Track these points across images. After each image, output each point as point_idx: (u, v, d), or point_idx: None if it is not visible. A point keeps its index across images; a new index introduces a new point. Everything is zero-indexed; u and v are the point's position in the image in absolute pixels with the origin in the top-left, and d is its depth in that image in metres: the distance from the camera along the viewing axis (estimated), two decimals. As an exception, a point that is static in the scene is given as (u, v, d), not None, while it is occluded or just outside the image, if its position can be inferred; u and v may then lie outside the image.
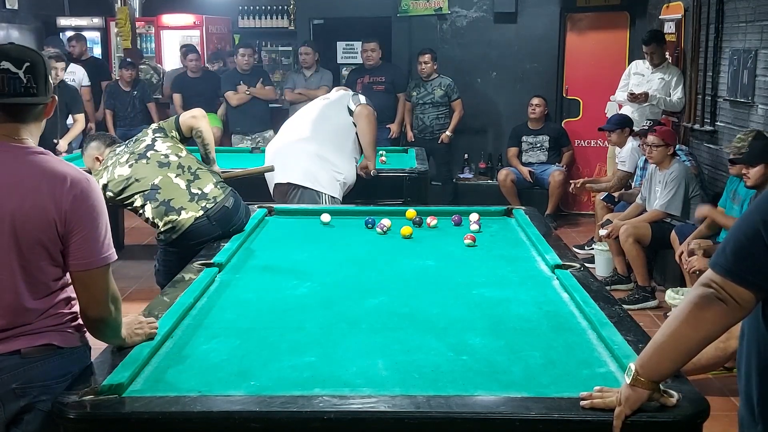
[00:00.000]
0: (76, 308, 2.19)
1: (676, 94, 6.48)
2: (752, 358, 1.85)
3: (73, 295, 2.17)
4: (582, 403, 1.96)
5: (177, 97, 8.11)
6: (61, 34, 9.82)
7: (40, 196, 2.04)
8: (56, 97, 2.22)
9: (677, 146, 5.80)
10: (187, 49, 8.34)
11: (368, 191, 5.36)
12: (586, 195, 7.21)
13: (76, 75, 8.05)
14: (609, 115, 7.24)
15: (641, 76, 6.66)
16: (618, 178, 6.38)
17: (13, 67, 2.05)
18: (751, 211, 1.79)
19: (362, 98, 5.13)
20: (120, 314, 2.23)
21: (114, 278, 2.18)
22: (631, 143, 6.23)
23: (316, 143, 4.90)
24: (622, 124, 6.33)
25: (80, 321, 2.21)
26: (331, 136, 4.96)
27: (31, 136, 2.14)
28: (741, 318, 1.80)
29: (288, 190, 4.86)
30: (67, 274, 2.15)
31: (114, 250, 2.16)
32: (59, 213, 2.05)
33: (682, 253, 4.79)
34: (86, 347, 2.26)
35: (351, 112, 5.02)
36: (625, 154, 6.30)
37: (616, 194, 6.33)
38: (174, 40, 9.63)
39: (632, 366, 1.92)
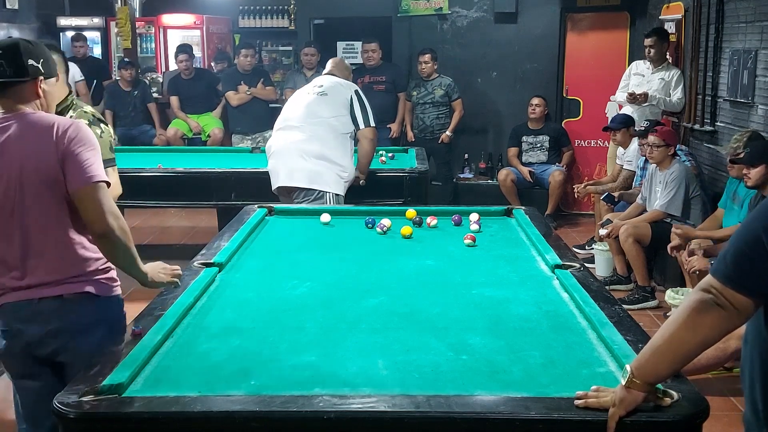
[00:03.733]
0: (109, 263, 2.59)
1: (676, 95, 6.48)
2: (756, 363, 1.85)
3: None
4: (576, 402, 1.96)
5: (174, 100, 8.13)
6: (61, 34, 9.82)
7: (40, 143, 2.47)
8: (40, 79, 2.57)
9: (677, 146, 5.80)
10: (177, 50, 8.35)
11: (368, 191, 5.37)
12: (588, 196, 7.21)
13: (71, 71, 8.07)
14: (609, 115, 7.24)
15: (641, 77, 6.66)
16: (624, 177, 6.38)
17: None
18: (752, 218, 1.79)
19: (363, 117, 5.06)
20: (126, 237, 2.51)
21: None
22: (637, 143, 6.23)
23: (318, 142, 4.93)
24: (627, 123, 6.33)
25: (113, 273, 2.62)
26: (331, 134, 4.99)
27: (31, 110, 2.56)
28: (739, 324, 1.80)
29: (292, 191, 4.92)
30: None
31: (104, 175, 2.51)
32: (57, 152, 2.46)
33: (679, 250, 4.79)
34: (119, 299, 2.65)
35: (354, 119, 5.04)
36: (630, 154, 6.29)
37: (615, 194, 6.33)
38: (174, 40, 9.63)
39: (628, 367, 1.92)
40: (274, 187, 5.05)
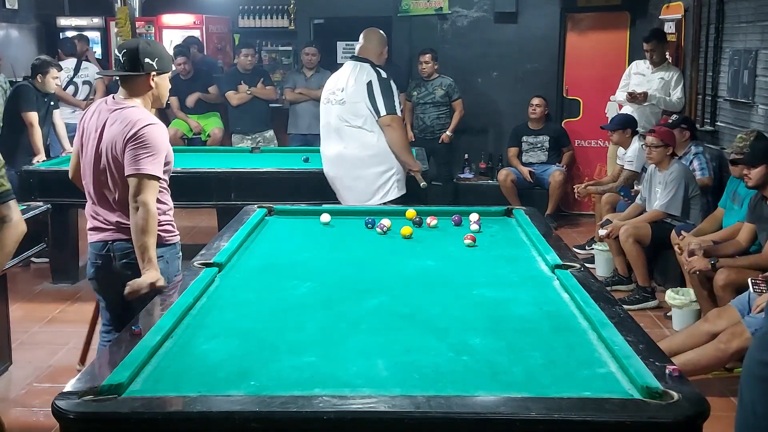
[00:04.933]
0: (163, 218, 3.27)
1: (676, 94, 6.48)
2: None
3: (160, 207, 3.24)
4: None
5: (173, 100, 8.13)
6: (61, 34, 9.83)
7: (117, 130, 3.16)
8: (152, 74, 3.24)
9: (693, 143, 5.79)
10: (175, 52, 8.36)
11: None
12: (588, 196, 7.21)
13: (89, 71, 8.21)
14: (609, 115, 7.24)
15: (642, 76, 6.66)
16: (624, 178, 6.37)
17: (119, 54, 3.25)
18: None
19: (375, 106, 4.81)
20: (148, 217, 3.09)
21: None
22: (637, 143, 6.23)
23: (358, 152, 4.86)
24: (625, 124, 6.32)
25: (168, 227, 3.32)
26: (366, 140, 4.87)
27: (137, 100, 3.26)
28: None
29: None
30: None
31: (150, 169, 3.11)
32: (123, 141, 3.13)
33: (680, 247, 4.79)
34: (175, 246, 3.37)
35: (371, 111, 4.83)
36: (631, 154, 6.29)
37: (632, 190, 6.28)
38: (174, 40, 9.63)
39: None
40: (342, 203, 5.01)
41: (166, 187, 3.34)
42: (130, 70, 3.21)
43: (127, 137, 3.11)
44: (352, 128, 4.87)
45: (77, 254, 5.85)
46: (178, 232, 3.42)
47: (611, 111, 7.31)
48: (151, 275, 3.05)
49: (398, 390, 2.09)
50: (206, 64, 8.73)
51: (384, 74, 4.91)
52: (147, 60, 3.19)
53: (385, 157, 4.92)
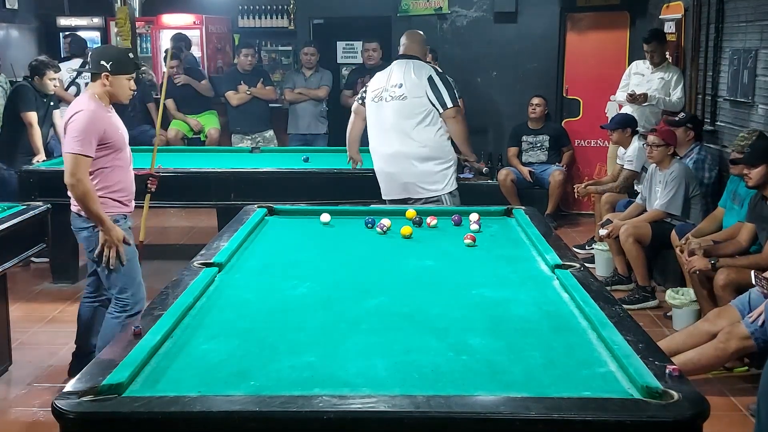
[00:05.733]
0: (99, 193, 3.82)
1: (676, 94, 6.48)
2: None
3: (101, 183, 3.85)
4: None
5: (170, 102, 8.14)
6: (60, 34, 9.82)
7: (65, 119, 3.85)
8: (106, 75, 3.85)
9: (697, 146, 5.79)
10: (166, 55, 8.35)
11: (368, 191, 5.36)
12: (588, 196, 7.21)
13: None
14: (609, 115, 7.23)
15: (641, 76, 6.66)
16: (624, 177, 6.37)
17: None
18: None
19: (440, 99, 4.87)
20: (82, 188, 3.71)
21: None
22: (637, 142, 6.23)
23: (418, 147, 4.90)
24: (624, 124, 6.32)
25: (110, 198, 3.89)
26: (426, 134, 4.90)
27: (91, 93, 3.89)
28: None
29: (407, 200, 4.94)
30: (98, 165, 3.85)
31: (77, 149, 3.70)
32: (64, 127, 3.84)
33: (682, 250, 4.79)
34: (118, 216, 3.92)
35: (433, 104, 4.87)
36: (631, 154, 6.29)
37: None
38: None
39: None
40: (386, 197, 5.06)
41: (113, 165, 3.88)
42: (91, 70, 3.90)
43: (65, 123, 3.81)
44: (414, 124, 4.90)
45: (77, 254, 5.84)
46: (110, 211, 3.88)
47: (611, 111, 7.31)
48: (102, 236, 3.82)
49: (398, 390, 2.09)
50: (188, 62, 8.71)
51: (439, 69, 5.02)
52: (102, 62, 3.82)
53: (445, 151, 4.99)
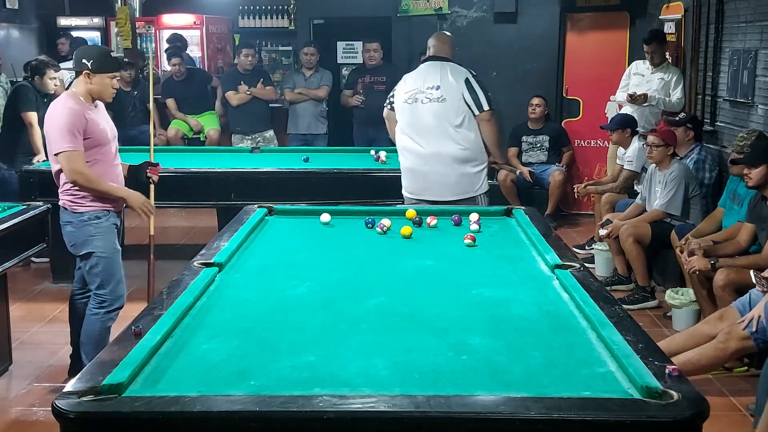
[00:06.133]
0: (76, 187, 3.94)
1: (676, 95, 6.48)
2: None
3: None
4: None
5: (170, 102, 8.15)
6: (61, 33, 9.83)
7: None
8: (86, 73, 3.93)
9: (697, 146, 5.79)
10: (169, 53, 8.36)
11: (368, 191, 5.36)
12: (588, 196, 7.21)
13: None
14: (609, 115, 7.24)
15: (641, 77, 6.66)
16: (624, 178, 6.38)
17: None
18: None
19: (477, 102, 4.89)
20: (88, 178, 3.89)
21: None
22: (637, 143, 6.23)
23: (456, 148, 4.87)
24: (624, 124, 6.32)
25: (82, 198, 3.98)
26: (463, 136, 4.89)
27: (74, 90, 4.00)
28: None
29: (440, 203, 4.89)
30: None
31: (62, 146, 3.82)
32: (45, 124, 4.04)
33: (682, 250, 4.79)
34: (83, 215, 3.96)
35: (470, 107, 4.88)
36: (631, 154, 6.29)
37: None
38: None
39: None
40: (411, 195, 5.01)
41: (93, 160, 3.93)
42: (74, 68, 4.04)
43: (46, 124, 3.96)
44: (456, 126, 4.87)
45: (77, 254, 5.84)
46: (92, 206, 3.97)
47: (611, 111, 7.31)
48: (131, 201, 4.08)
49: (398, 389, 2.09)
50: (187, 63, 8.72)
51: (473, 71, 5.03)
52: (84, 60, 3.91)
53: (481, 153, 4.99)
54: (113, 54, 4.16)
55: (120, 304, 4.11)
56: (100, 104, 4.10)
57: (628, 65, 7.12)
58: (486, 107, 4.90)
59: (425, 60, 5.13)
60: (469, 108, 4.87)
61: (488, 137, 4.98)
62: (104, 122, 4.04)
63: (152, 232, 4.50)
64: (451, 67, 4.99)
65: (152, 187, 4.49)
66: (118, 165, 4.15)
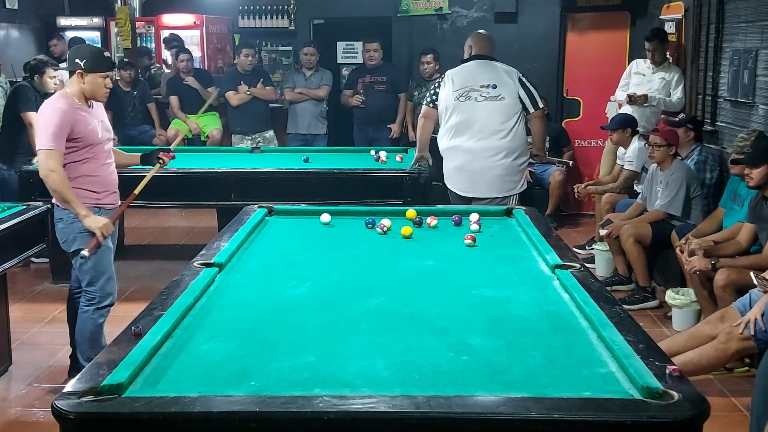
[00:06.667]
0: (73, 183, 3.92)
1: (676, 94, 6.47)
2: None
3: (71, 173, 3.92)
4: None
5: (174, 99, 8.14)
6: (60, 34, 9.83)
7: None
8: (79, 72, 3.92)
9: (697, 147, 5.79)
10: (178, 50, 8.36)
11: (368, 191, 5.36)
12: (588, 196, 7.21)
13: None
14: (609, 115, 7.23)
15: (642, 76, 6.65)
16: (624, 178, 6.37)
17: None
18: None
19: (532, 101, 5.10)
20: (56, 180, 3.83)
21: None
22: (638, 143, 6.22)
23: (508, 147, 5.07)
24: (624, 124, 6.32)
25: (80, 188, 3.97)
26: (515, 135, 5.08)
27: (66, 90, 4.00)
28: None
29: (480, 199, 5.11)
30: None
31: (43, 144, 3.82)
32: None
33: (682, 250, 4.78)
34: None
35: (525, 106, 5.08)
36: (631, 154, 6.29)
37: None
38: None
39: None
40: (461, 193, 5.17)
41: (84, 158, 3.94)
42: (67, 68, 4.03)
43: (37, 118, 4.04)
44: (511, 123, 5.06)
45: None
46: (91, 203, 3.98)
47: (611, 111, 7.31)
48: (87, 222, 3.91)
49: (398, 390, 2.09)
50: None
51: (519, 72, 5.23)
52: (77, 60, 3.92)
53: (525, 148, 5.20)
54: (106, 54, 4.13)
55: (110, 302, 4.10)
56: (98, 104, 4.10)
57: (629, 65, 7.12)
58: (540, 105, 5.16)
59: (470, 59, 5.27)
60: (524, 106, 5.08)
61: (539, 133, 5.27)
62: (96, 122, 4.02)
63: (137, 192, 4.33)
64: (501, 67, 5.19)
65: (149, 174, 4.40)
66: (111, 164, 4.14)
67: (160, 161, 4.42)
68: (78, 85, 3.94)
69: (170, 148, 4.60)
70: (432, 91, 5.29)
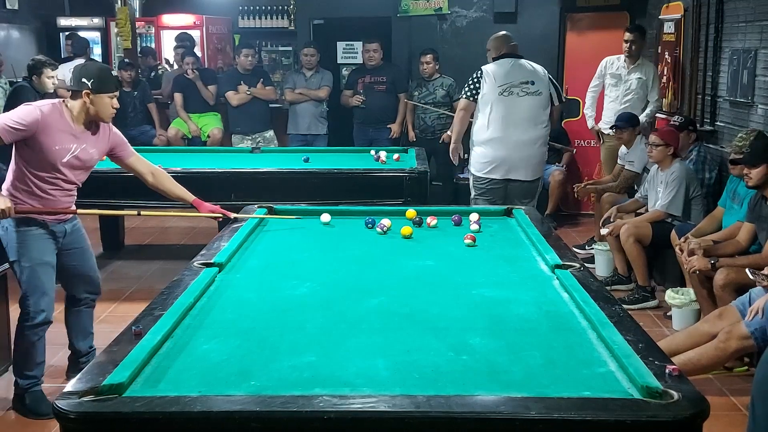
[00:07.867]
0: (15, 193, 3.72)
1: (653, 95, 6.68)
2: None
3: (19, 176, 3.71)
4: None
5: (178, 97, 8.14)
6: (61, 34, 9.84)
7: None
8: (86, 92, 3.66)
9: (696, 146, 5.79)
10: (185, 52, 8.37)
11: (368, 191, 5.36)
12: (588, 196, 7.20)
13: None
14: (588, 114, 7.23)
15: (617, 77, 6.73)
16: (625, 178, 6.37)
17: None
18: None
19: (558, 94, 5.73)
20: None
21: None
22: (641, 144, 6.22)
23: (544, 136, 5.63)
24: (632, 122, 6.32)
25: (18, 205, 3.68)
26: (547, 122, 5.64)
27: (68, 107, 3.74)
28: None
29: (516, 181, 5.61)
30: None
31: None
32: None
33: (682, 249, 4.78)
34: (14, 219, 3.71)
35: (552, 100, 5.63)
36: (633, 155, 6.29)
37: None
38: (171, 40, 9.66)
39: None
40: (501, 176, 5.58)
41: (37, 173, 3.66)
42: (73, 86, 3.73)
43: None
44: (546, 115, 5.61)
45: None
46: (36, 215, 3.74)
47: (591, 109, 7.25)
48: None
49: (398, 390, 2.09)
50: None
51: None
52: (84, 80, 3.67)
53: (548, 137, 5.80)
54: (114, 73, 3.99)
55: (43, 319, 3.83)
56: (101, 137, 3.85)
57: (600, 63, 7.09)
58: (563, 99, 5.85)
59: (501, 57, 5.68)
60: (551, 99, 5.64)
61: (554, 123, 5.92)
62: (73, 147, 3.71)
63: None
64: (534, 65, 5.70)
65: (190, 215, 4.53)
66: (70, 197, 3.84)
67: (216, 218, 4.27)
68: (83, 105, 3.68)
69: (233, 216, 4.10)
70: (471, 85, 5.61)
